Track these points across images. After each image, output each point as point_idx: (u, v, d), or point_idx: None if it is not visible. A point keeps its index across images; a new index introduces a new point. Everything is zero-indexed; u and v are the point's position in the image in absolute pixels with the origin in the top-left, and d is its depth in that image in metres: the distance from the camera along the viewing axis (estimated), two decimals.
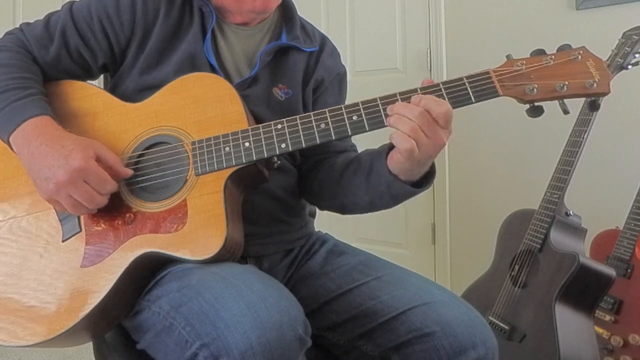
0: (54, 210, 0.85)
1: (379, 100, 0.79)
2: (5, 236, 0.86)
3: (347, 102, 1.05)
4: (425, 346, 0.80)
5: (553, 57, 0.78)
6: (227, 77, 0.94)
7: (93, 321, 0.79)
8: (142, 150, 0.86)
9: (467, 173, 2.23)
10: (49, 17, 0.94)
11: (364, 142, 0.93)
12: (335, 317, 0.89)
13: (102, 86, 0.96)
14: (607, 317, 1.51)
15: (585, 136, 1.39)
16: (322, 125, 0.80)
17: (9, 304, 0.82)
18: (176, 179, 0.83)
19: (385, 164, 0.83)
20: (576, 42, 0.80)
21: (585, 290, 1.34)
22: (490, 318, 1.46)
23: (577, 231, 1.44)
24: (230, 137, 0.82)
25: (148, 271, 0.82)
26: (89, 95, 0.91)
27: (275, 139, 0.81)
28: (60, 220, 0.84)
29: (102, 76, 1.03)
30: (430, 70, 2.32)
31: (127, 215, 0.82)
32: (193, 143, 0.83)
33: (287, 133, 0.81)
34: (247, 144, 0.81)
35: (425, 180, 0.84)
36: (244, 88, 0.93)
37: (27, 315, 0.80)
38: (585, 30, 1.92)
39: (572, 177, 1.41)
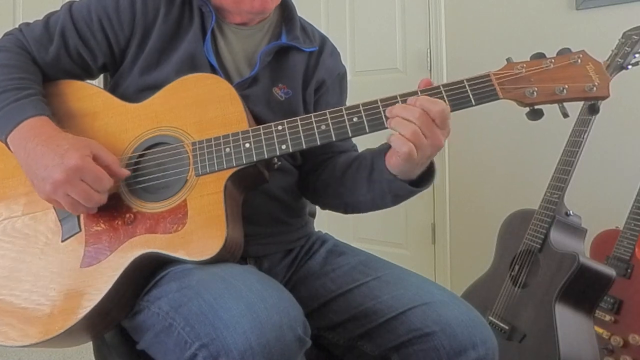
0: (53, 210, 0.85)
1: (379, 102, 0.80)
2: (8, 235, 0.86)
3: (347, 102, 1.05)
4: (425, 346, 0.80)
5: (553, 60, 0.78)
6: (227, 77, 0.94)
7: (92, 321, 0.79)
8: (142, 151, 0.86)
9: (467, 173, 2.23)
10: (48, 18, 0.94)
11: (365, 142, 0.93)
12: (335, 317, 0.89)
13: (102, 86, 0.96)
14: (607, 317, 1.51)
15: (585, 136, 1.39)
16: (323, 127, 0.80)
17: (11, 303, 0.81)
18: (176, 179, 0.83)
19: (385, 164, 0.83)
20: (576, 42, 0.81)
21: (585, 290, 1.34)
22: (490, 318, 1.46)
23: (577, 231, 1.44)
24: (231, 138, 0.82)
25: (148, 271, 0.82)
26: (89, 95, 0.91)
27: (275, 140, 0.81)
28: (60, 221, 0.84)
29: (102, 76, 1.03)
30: (430, 70, 2.32)
31: (127, 215, 0.82)
32: (193, 144, 0.83)
33: (287, 134, 0.81)
34: (247, 145, 0.81)
35: (425, 178, 0.84)
36: (244, 88, 0.93)
37: (29, 314, 0.80)
38: (585, 30, 1.92)
39: (572, 177, 1.41)
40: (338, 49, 1.10)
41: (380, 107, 0.79)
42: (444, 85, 0.78)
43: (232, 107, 0.85)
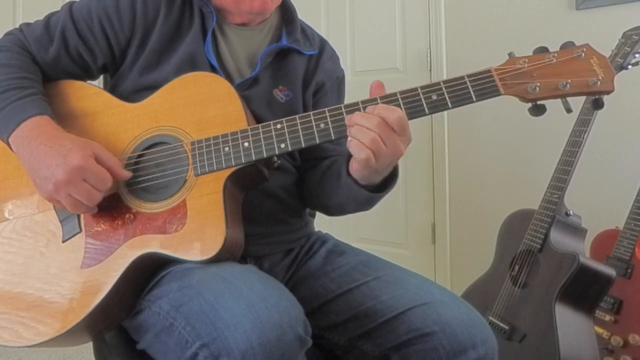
0: (53, 211, 0.85)
1: (379, 100, 0.80)
2: (9, 236, 0.86)
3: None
4: (425, 346, 0.80)
5: (556, 54, 0.77)
6: (228, 77, 0.94)
7: (93, 321, 0.79)
8: (142, 151, 0.86)
9: (467, 173, 2.23)
10: (48, 18, 0.94)
11: None
12: (335, 317, 0.89)
13: (102, 86, 0.96)
14: (607, 317, 1.51)
15: (585, 136, 1.39)
16: (322, 125, 0.80)
17: (14, 304, 0.82)
18: (176, 179, 0.83)
19: (347, 170, 0.84)
20: (576, 42, 0.80)
21: (585, 290, 1.34)
22: (490, 318, 1.46)
23: (577, 231, 1.44)
24: (230, 137, 0.82)
25: (148, 271, 0.82)
26: (89, 95, 0.91)
27: (274, 139, 0.81)
28: (60, 221, 0.84)
29: (102, 76, 1.03)
30: (430, 70, 2.32)
31: (127, 215, 0.82)
32: (192, 143, 0.83)
33: (286, 133, 0.81)
34: (246, 144, 0.81)
35: (388, 185, 0.85)
36: (245, 88, 0.93)
37: (30, 315, 0.80)
38: (585, 30, 1.91)
39: (572, 177, 1.41)
40: (338, 49, 1.11)
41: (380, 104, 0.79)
42: (444, 82, 0.78)
43: (232, 106, 0.85)
